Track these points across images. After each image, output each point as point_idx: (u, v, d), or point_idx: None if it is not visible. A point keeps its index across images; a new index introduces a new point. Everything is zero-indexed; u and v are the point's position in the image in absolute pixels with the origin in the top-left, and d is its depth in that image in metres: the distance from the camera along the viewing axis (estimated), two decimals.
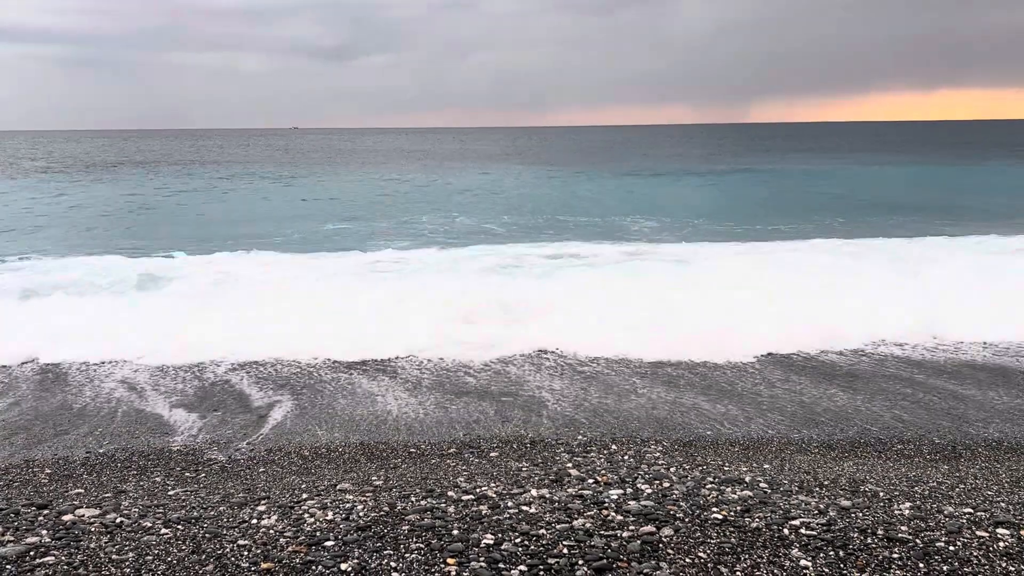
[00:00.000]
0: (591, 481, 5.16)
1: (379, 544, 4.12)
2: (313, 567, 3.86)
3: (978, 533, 4.25)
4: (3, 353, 8.93)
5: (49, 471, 5.96)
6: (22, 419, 7.25)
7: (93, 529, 4.43)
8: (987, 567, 3.87)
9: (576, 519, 4.40)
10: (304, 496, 4.99)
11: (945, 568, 3.85)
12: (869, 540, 4.14)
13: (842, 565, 3.87)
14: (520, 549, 4.02)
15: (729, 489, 4.96)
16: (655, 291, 11.14)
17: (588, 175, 40.81)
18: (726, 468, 5.57)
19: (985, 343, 9.46)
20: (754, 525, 4.32)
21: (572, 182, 37.06)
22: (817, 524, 4.33)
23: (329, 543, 4.13)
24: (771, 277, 12.06)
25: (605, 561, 3.88)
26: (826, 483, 5.19)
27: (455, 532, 4.25)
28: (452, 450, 6.33)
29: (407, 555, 3.99)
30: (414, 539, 4.17)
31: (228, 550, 4.10)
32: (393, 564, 3.89)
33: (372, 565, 3.89)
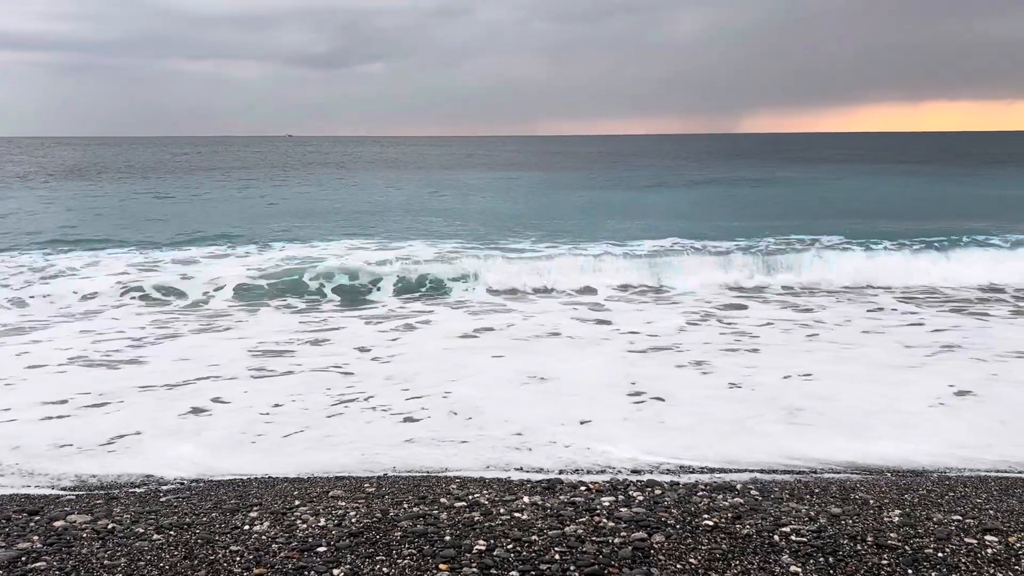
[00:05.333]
0: (583, 488, 5.18)
1: (371, 550, 4.13)
2: (305, 572, 3.88)
3: (966, 540, 4.28)
4: None
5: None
6: None
7: (85, 535, 4.43)
8: (975, 573, 3.90)
9: (568, 525, 4.42)
10: (296, 503, 5.00)
11: (934, 574, 3.88)
12: (859, 547, 4.16)
13: (832, 571, 3.90)
14: (512, 555, 4.04)
15: (720, 496, 4.98)
16: None
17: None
18: (717, 476, 5.60)
19: None
20: (745, 532, 4.34)
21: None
22: (807, 531, 4.36)
23: (321, 549, 4.14)
24: None
25: (596, 567, 3.90)
26: (816, 491, 5.21)
27: (447, 538, 4.26)
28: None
29: (399, 561, 4.00)
30: (406, 545, 4.18)
31: (220, 556, 4.10)
32: (385, 570, 3.91)
33: (364, 570, 3.90)
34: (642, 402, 7.65)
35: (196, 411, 7.48)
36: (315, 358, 9.56)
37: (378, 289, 13.97)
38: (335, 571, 3.88)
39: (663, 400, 7.69)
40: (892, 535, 4.34)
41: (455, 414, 7.31)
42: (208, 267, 15.30)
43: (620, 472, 5.83)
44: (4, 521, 4.72)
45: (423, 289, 14.09)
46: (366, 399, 7.84)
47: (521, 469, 5.94)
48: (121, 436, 6.80)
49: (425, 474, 5.83)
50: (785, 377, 8.49)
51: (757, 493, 5.09)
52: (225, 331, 11.22)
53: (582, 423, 7.01)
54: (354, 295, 13.74)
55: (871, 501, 4.98)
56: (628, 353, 9.71)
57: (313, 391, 8.11)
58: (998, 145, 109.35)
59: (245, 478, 5.84)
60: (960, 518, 4.65)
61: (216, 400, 7.79)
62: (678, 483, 5.31)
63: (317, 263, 15.23)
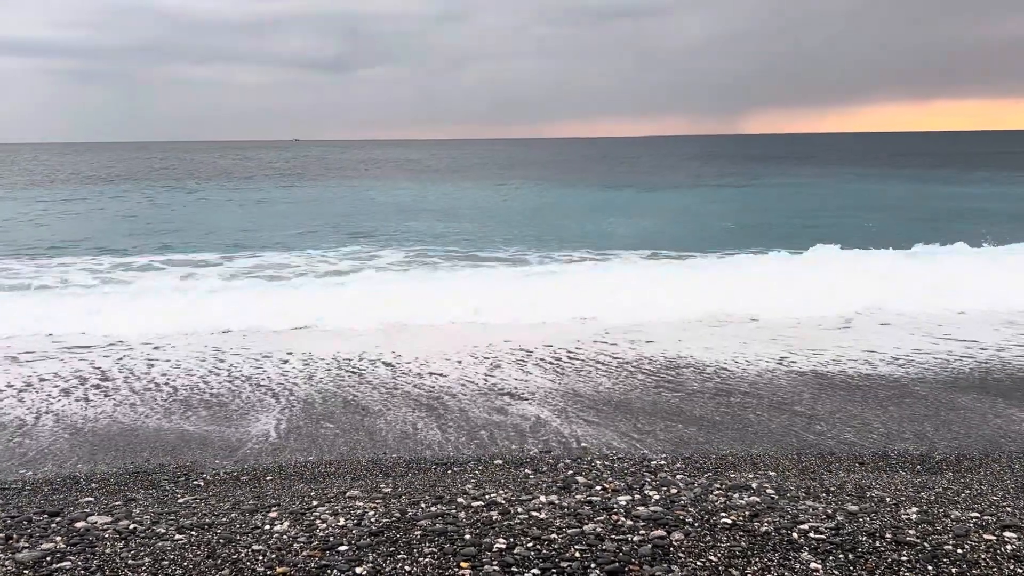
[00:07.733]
0: (599, 488, 5.19)
1: (392, 549, 4.15)
2: (328, 571, 3.90)
3: (985, 536, 4.29)
4: None
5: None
6: None
7: (107, 535, 4.47)
8: (995, 569, 3.90)
9: (586, 524, 4.44)
10: (314, 503, 5.03)
11: (954, 570, 3.89)
12: (878, 543, 4.17)
13: (852, 568, 3.91)
14: (532, 553, 4.06)
15: (736, 495, 4.99)
16: None
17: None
18: (732, 475, 5.60)
19: None
20: (763, 529, 4.35)
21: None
22: (825, 528, 4.37)
23: (343, 548, 4.17)
24: None
25: (617, 564, 3.92)
26: (832, 489, 5.22)
27: (467, 537, 4.28)
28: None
29: (421, 559, 4.02)
30: (427, 544, 4.21)
31: (243, 555, 4.14)
32: (407, 568, 3.93)
33: (387, 569, 3.92)
34: None
35: None
36: None
37: None
38: (358, 569, 3.91)
39: None
40: (910, 532, 4.34)
41: None
42: None
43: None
44: (26, 522, 4.76)
45: None
46: None
47: None
48: None
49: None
50: None
51: (773, 492, 5.09)
52: None
53: None
54: None
55: (887, 499, 4.98)
56: None
57: None
58: (1001, 144, 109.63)
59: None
60: (978, 515, 4.65)
61: None
62: (693, 483, 5.32)
63: None
